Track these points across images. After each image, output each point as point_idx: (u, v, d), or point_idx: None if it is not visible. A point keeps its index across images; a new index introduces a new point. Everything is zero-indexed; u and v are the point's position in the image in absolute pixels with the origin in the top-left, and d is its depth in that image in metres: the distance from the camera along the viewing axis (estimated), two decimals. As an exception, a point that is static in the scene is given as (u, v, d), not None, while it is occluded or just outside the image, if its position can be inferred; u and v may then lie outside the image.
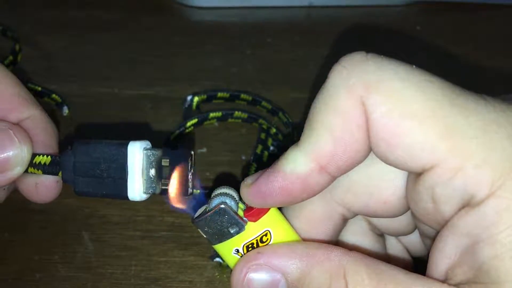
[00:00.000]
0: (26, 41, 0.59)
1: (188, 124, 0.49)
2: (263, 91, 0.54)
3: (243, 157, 0.48)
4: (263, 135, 0.47)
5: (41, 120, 0.31)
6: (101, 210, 0.43)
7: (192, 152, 0.26)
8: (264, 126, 0.49)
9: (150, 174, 0.26)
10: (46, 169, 0.29)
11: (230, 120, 0.51)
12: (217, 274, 0.39)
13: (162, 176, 0.26)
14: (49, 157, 0.28)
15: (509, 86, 0.58)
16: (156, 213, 0.43)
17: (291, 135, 0.48)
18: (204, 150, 0.48)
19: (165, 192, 0.26)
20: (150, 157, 0.26)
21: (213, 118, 0.50)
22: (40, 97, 0.51)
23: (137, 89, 0.54)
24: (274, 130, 0.49)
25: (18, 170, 0.28)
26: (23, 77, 0.53)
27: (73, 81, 0.54)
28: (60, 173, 0.28)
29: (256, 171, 0.43)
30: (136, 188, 0.26)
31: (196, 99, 0.51)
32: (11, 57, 0.55)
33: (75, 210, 0.42)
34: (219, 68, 0.58)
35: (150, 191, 0.26)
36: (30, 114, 0.31)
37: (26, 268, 0.39)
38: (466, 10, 0.70)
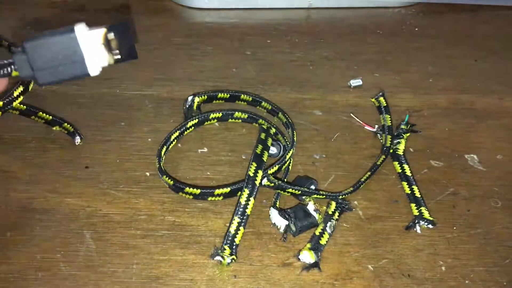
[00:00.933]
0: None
1: (189, 124, 0.49)
2: (263, 92, 0.55)
3: (243, 157, 0.48)
4: (263, 135, 0.47)
5: None
6: (103, 209, 0.43)
7: (129, 24, 0.30)
8: (264, 126, 0.50)
9: (101, 50, 0.29)
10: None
11: (230, 120, 0.52)
12: (217, 272, 0.40)
13: (112, 48, 0.29)
14: None
15: (507, 86, 0.58)
16: (157, 212, 0.43)
17: (291, 135, 0.49)
18: (205, 150, 0.49)
19: (118, 61, 0.30)
20: (96, 34, 0.29)
21: (213, 118, 0.51)
22: (51, 125, 0.49)
23: (138, 89, 0.54)
24: (274, 130, 0.49)
25: None
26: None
27: (74, 82, 0.54)
28: (15, 73, 0.29)
29: (256, 171, 0.43)
30: (94, 65, 0.29)
31: (196, 99, 0.52)
32: (21, 88, 0.47)
33: (77, 209, 0.43)
34: (220, 68, 0.58)
35: (105, 64, 0.29)
36: None
37: (29, 266, 0.39)
38: (464, 11, 0.71)
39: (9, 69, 0.29)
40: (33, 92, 0.53)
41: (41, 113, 0.49)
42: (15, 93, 0.46)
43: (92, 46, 0.29)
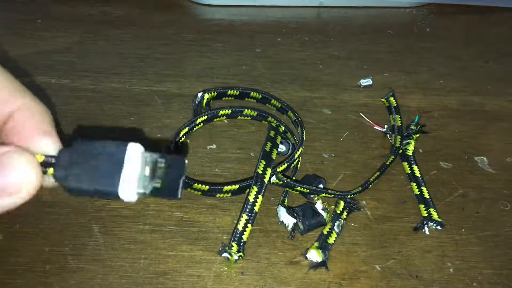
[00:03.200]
0: (39, 36, 0.60)
1: (198, 120, 0.49)
2: (273, 90, 0.55)
3: (252, 154, 0.48)
4: (272, 133, 0.47)
5: (35, 107, 0.28)
6: (111, 203, 0.43)
7: (186, 161, 0.27)
8: (273, 124, 0.49)
9: (145, 173, 0.26)
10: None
11: (239, 117, 0.52)
12: (224, 269, 0.40)
13: (156, 176, 0.26)
14: (42, 156, 0.26)
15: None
16: (165, 207, 0.43)
17: (300, 133, 0.49)
18: (214, 146, 0.49)
19: (155, 192, 0.26)
20: (147, 158, 0.26)
21: (222, 115, 0.51)
22: None
23: (148, 85, 0.54)
24: (283, 128, 0.49)
25: (23, 195, 0.25)
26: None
27: (85, 76, 0.55)
28: (51, 171, 0.26)
29: (264, 168, 0.43)
30: (129, 185, 0.25)
31: (206, 96, 0.52)
32: None
33: (86, 203, 0.43)
34: (229, 65, 0.58)
35: (141, 191, 0.26)
36: (22, 102, 0.28)
37: (37, 259, 0.39)
38: (476, 12, 0.70)
39: (50, 159, 0.26)
40: (43, 87, 0.53)
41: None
42: None
43: (136, 167, 0.25)
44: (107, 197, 0.26)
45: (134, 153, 0.26)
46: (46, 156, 0.26)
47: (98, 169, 0.25)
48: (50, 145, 0.27)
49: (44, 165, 0.26)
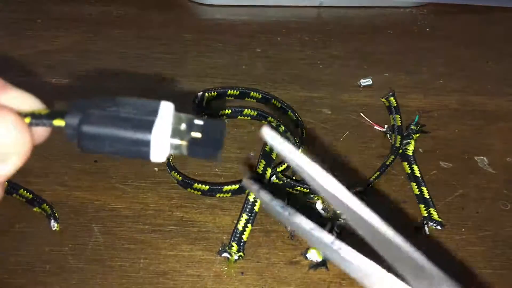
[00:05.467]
0: (39, 36, 0.60)
1: (198, 120, 0.49)
2: (273, 90, 0.55)
3: (252, 154, 0.48)
4: (272, 133, 0.47)
5: (29, 100, 0.22)
6: (111, 203, 0.43)
7: (226, 122, 0.23)
8: (273, 124, 0.49)
9: (180, 128, 0.22)
10: (42, 120, 0.22)
11: (239, 117, 0.51)
12: (224, 268, 0.40)
13: (194, 129, 0.22)
14: (47, 109, 0.22)
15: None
16: (165, 207, 0.43)
17: (300, 133, 0.49)
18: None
19: (193, 146, 0.22)
20: (182, 116, 0.22)
21: (222, 115, 0.51)
22: (31, 205, 0.43)
23: (148, 84, 0.54)
24: (283, 128, 0.49)
25: (14, 161, 0.22)
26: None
27: (85, 76, 0.55)
28: (56, 122, 0.22)
29: (264, 168, 0.43)
30: (163, 133, 0.21)
31: (206, 96, 0.52)
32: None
33: (86, 203, 0.43)
34: (229, 65, 0.58)
35: (177, 141, 0.21)
36: (15, 95, 0.22)
37: (37, 259, 0.39)
38: (476, 12, 0.70)
39: (50, 120, 0.22)
40: (43, 87, 0.53)
41: (21, 190, 0.43)
42: None
43: (168, 123, 0.21)
44: (134, 149, 0.21)
45: (167, 109, 0.22)
46: (34, 112, 0.22)
47: (125, 116, 0.21)
48: (26, 97, 0.22)
49: (34, 119, 0.21)
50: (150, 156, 0.21)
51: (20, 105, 0.22)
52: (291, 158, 0.23)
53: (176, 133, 0.21)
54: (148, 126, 0.21)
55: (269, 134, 0.22)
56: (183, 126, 0.22)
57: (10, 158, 0.21)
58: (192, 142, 0.22)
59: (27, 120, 0.21)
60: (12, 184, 0.43)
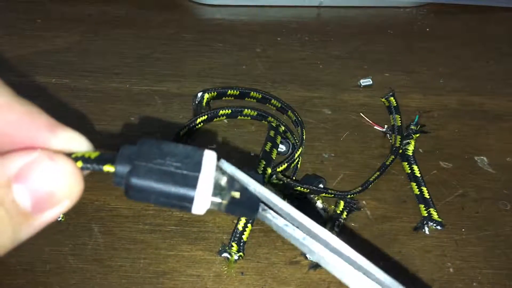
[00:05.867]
0: (39, 36, 0.60)
1: (198, 120, 0.49)
2: (273, 90, 0.55)
3: (252, 154, 0.48)
4: (272, 133, 0.47)
5: (79, 141, 0.23)
6: (111, 203, 0.43)
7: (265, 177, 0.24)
8: (273, 124, 0.49)
9: (221, 182, 0.23)
10: (93, 165, 0.23)
11: (239, 117, 0.51)
12: (224, 268, 0.40)
13: (234, 188, 0.23)
14: (96, 152, 0.23)
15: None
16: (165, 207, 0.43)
17: (300, 133, 0.49)
18: (214, 146, 0.49)
19: (232, 204, 0.23)
20: (224, 167, 0.23)
21: (222, 115, 0.51)
22: None
23: (148, 85, 0.54)
24: (283, 128, 0.49)
25: (66, 204, 0.22)
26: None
27: (85, 76, 0.55)
28: (106, 167, 0.23)
29: (265, 168, 0.43)
30: (206, 191, 0.22)
31: (206, 96, 0.52)
32: None
33: (86, 203, 0.43)
34: (229, 65, 0.58)
35: (217, 200, 0.23)
36: (65, 136, 0.23)
37: (37, 259, 0.39)
38: (476, 12, 0.70)
39: (101, 165, 0.23)
40: (43, 87, 0.53)
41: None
42: None
43: (211, 180, 0.22)
44: (178, 204, 0.22)
45: (210, 160, 0.23)
46: (83, 153, 0.23)
47: (171, 170, 0.22)
48: (76, 139, 0.23)
49: (85, 163, 0.22)
50: (192, 210, 0.22)
51: (71, 147, 0.23)
52: (254, 189, 0.24)
53: (217, 189, 0.23)
54: (192, 183, 0.22)
55: (228, 167, 0.23)
56: (223, 181, 0.23)
57: (63, 202, 0.22)
58: (231, 201, 0.23)
59: (79, 164, 0.22)
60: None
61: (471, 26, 0.68)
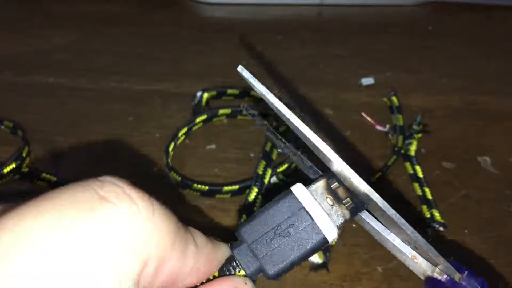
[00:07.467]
0: (37, 34, 0.59)
1: (197, 120, 0.49)
2: (273, 89, 0.54)
3: (252, 154, 0.48)
4: (272, 133, 0.47)
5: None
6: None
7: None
8: (273, 124, 0.49)
9: (329, 205, 0.24)
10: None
11: (239, 117, 0.51)
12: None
13: (340, 199, 0.24)
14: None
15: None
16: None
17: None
18: (213, 146, 0.48)
19: (354, 212, 0.24)
20: (317, 190, 0.24)
21: (222, 114, 0.50)
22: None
23: (147, 84, 0.54)
24: (283, 128, 0.49)
25: None
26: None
27: (83, 75, 0.54)
28: (239, 272, 0.23)
29: (265, 168, 0.42)
30: (330, 226, 0.23)
31: (205, 95, 0.51)
32: (13, 164, 0.43)
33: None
34: (229, 64, 0.57)
35: (340, 220, 0.24)
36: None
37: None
38: (478, 11, 0.70)
39: (231, 268, 0.23)
40: (40, 86, 0.53)
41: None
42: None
43: (319, 204, 0.23)
44: (316, 250, 0.23)
45: (303, 193, 0.24)
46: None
47: (291, 241, 0.23)
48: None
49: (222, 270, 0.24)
50: (329, 243, 0.24)
51: None
52: (268, 100, 0.25)
53: (330, 212, 0.24)
54: (314, 231, 0.23)
55: (246, 73, 0.24)
56: (328, 200, 0.24)
57: None
58: (353, 211, 0.24)
59: None
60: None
61: (474, 24, 0.68)
